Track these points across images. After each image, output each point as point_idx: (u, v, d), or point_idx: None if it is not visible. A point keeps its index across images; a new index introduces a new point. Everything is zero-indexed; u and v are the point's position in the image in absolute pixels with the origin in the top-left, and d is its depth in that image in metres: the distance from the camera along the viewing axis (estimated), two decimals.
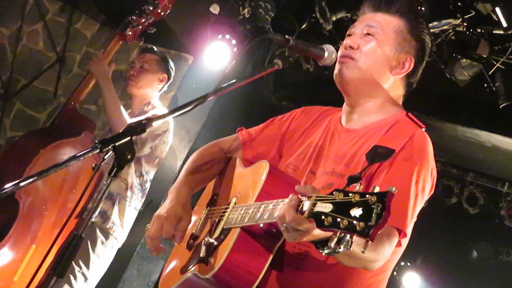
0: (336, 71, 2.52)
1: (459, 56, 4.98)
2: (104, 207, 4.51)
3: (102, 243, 4.51)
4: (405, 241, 2.31)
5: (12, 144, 4.41)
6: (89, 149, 2.04)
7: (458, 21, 4.76)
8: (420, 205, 2.33)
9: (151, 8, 4.47)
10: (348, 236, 1.72)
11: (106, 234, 4.54)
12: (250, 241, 2.25)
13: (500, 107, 4.91)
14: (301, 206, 1.88)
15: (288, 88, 6.64)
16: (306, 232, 1.88)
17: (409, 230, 2.27)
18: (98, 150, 2.04)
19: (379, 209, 1.66)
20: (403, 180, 2.27)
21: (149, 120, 2.17)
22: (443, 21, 4.77)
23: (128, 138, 2.08)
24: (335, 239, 1.74)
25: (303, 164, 2.53)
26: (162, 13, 4.51)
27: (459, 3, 4.77)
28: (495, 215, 6.31)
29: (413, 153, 2.31)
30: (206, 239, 2.47)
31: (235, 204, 2.45)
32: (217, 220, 2.47)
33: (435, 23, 4.75)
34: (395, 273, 6.40)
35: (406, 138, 2.34)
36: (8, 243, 4.02)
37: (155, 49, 5.09)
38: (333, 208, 1.74)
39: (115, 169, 2.08)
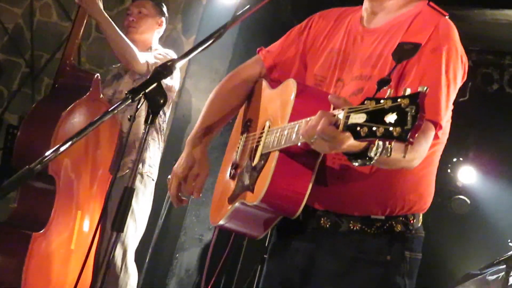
0: None
1: None
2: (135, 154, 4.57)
3: (143, 192, 4.61)
4: (442, 133, 2.27)
5: (29, 116, 4.39)
6: (121, 101, 2.04)
7: None
8: (453, 94, 2.28)
9: None
10: (386, 143, 1.71)
11: (146, 180, 4.63)
12: (291, 162, 2.24)
13: None
14: (335, 120, 1.86)
15: (308, 9, 6.50)
16: (341, 143, 1.87)
17: (445, 121, 2.23)
18: (130, 101, 2.04)
19: (413, 111, 1.63)
20: (433, 72, 2.22)
21: (174, 61, 2.15)
22: None
23: (157, 83, 2.07)
24: (374, 148, 1.73)
25: (330, 73, 2.46)
26: None
27: None
28: None
29: (439, 43, 2.25)
30: (247, 166, 2.47)
31: (269, 127, 2.43)
32: (254, 146, 2.47)
33: None
34: (449, 170, 6.35)
35: (431, 28, 2.27)
36: (56, 217, 4.13)
37: None
38: (367, 118, 1.71)
39: (151, 116, 2.08)
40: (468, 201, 6.28)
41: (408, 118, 1.63)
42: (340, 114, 1.83)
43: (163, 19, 5.02)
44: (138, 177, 4.57)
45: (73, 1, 7.30)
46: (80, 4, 4.53)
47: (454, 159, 6.36)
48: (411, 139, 1.63)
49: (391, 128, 1.65)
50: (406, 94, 1.66)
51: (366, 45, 2.40)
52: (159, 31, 5.04)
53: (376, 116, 1.69)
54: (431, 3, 2.41)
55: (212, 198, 2.72)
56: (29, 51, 7.00)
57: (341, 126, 1.81)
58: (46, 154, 1.93)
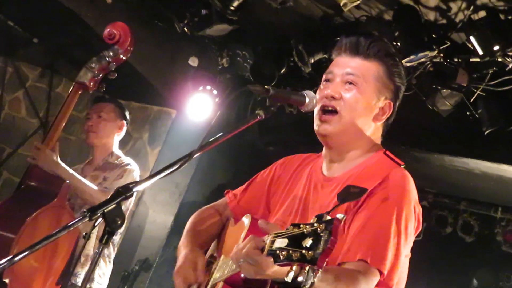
0: (317, 127, 2.47)
1: (439, 87, 5.02)
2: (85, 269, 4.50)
3: None
4: (396, 282, 2.26)
5: None
6: (78, 218, 2.03)
7: (434, 53, 4.81)
8: (405, 244, 2.28)
9: (111, 54, 4.21)
10: (305, 268, 1.74)
11: None
12: None
13: (485, 133, 4.94)
14: (262, 245, 1.92)
15: (274, 133, 6.67)
16: (264, 268, 1.91)
17: (394, 271, 2.23)
18: (88, 219, 2.03)
19: (326, 235, 1.68)
20: (383, 220, 2.24)
21: (136, 183, 2.16)
22: (420, 54, 4.81)
23: (116, 204, 2.07)
24: (292, 273, 1.77)
25: (290, 219, 2.49)
26: (124, 58, 4.28)
27: (433, 35, 4.83)
28: (492, 241, 6.31)
29: (390, 193, 2.28)
30: None
31: (221, 260, 2.45)
32: (208, 278, 2.49)
33: (412, 56, 4.79)
34: None
35: (380, 177, 2.31)
36: None
37: (107, 97, 5.09)
38: (288, 242, 1.78)
39: (106, 236, 2.06)
40: None
41: (321, 243, 1.68)
42: (268, 239, 1.88)
43: (124, 122, 5.01)
44: None
45: (43, 98, 7.46)
46: (36, 164, 4.25)
47: None
48: (320, 263, 1.68)
49: (304, 252, 1.70)
50: (325, 219, 1.72)
51: (325, 193, 2.45)
52: (120, 134, 5.01)
53: (296, 241, 1.75)
54: (388, 153, 2.48)
55: None
56: None
57: (265, 251, 1.87)
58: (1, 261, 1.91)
